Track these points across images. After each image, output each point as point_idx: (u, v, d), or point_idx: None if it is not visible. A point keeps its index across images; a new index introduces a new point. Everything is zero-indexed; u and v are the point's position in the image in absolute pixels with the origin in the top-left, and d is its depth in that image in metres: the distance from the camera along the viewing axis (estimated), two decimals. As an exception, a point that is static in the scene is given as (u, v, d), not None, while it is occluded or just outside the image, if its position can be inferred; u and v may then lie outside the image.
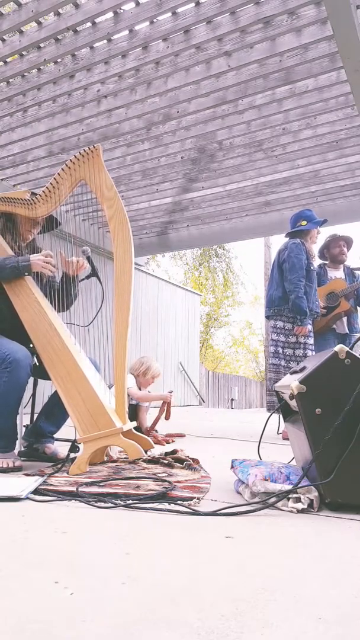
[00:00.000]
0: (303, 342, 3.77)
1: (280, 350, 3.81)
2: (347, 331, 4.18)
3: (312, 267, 3.83)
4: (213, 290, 20.70)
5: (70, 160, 2.20)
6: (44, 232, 2.55)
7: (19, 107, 4.25)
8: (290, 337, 3.79)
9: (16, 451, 2.18)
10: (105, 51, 3.63)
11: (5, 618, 0.75)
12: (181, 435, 3.49)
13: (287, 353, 3.79)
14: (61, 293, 2.38)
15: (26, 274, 2.22)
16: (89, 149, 2.19)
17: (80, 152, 2.20)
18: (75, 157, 2.20)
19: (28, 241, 2.46)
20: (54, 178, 2.23)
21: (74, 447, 2.28)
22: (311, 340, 3.80)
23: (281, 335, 3.83)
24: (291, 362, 3.76)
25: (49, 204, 2.25)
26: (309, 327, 3.77)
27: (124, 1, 3.18)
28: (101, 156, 2.20)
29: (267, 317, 3.99)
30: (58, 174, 2.22)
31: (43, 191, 2.25)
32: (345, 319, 4.19)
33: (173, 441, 3.33)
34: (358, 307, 4.27)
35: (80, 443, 2.01)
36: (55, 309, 2.34)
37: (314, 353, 3.77)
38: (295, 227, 3.93)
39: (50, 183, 2.23)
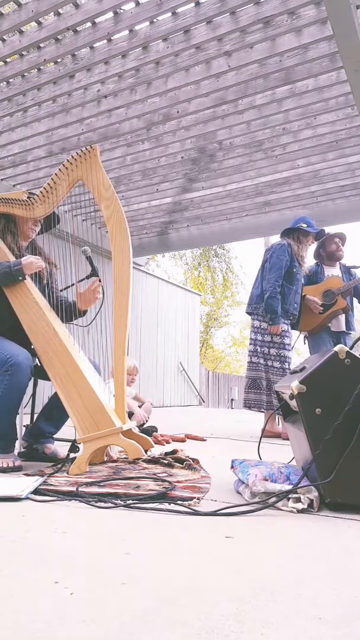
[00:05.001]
0: (278, 341, 3.86)
1: (259, 349, 3.93)
2: (344, 329, 4.18)
3: (294, 270, 3.87)
4: (213, 290, 20.67)
5: (68, 160, 2.20)
6: (45, 230, 2.55)
7: (19, 107, 4.25)
8: (266, 336, 3.90)
9: (16, 451, 2.18)
10: (105, 51, 3.63)
11: (5, 618, 0.75)
12: (182, 440, 3.44)
13: (264, 352, 3.92)
14: (63, 309, 2.37)
15: (20, 278, 2.20)
16: (86, 149, 2.18)
17: (78, 152, 2.20)
18: (72, 157, 2.19)
19: (30, 239, 2.45)
20: (51, 178, 2.22)
21: (73, 447, 2.28)
22: (287, 340, 3.89)
23: (258, 335, 3.94)
24: (269, 361, 3.87)
25: (47, 204, 2.24)
26: (284, 327, 3.84)
27: (124, 1, 3.17)
28: (98, 156, 2.19)
29: (248, 314, 4.08)
30: (55, 174, 2.22)
31: (40, 192, 2.25)
32: (342, 317, 4.19)
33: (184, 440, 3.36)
34: (355, 305, 4.28)
35: (80, 443, 2.01)
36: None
37: (288, 352, 3.87)
38: (295, 224, 3.96)
39: (48, 184, 2.23)
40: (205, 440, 3.47)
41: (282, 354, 3.82)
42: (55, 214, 2.46)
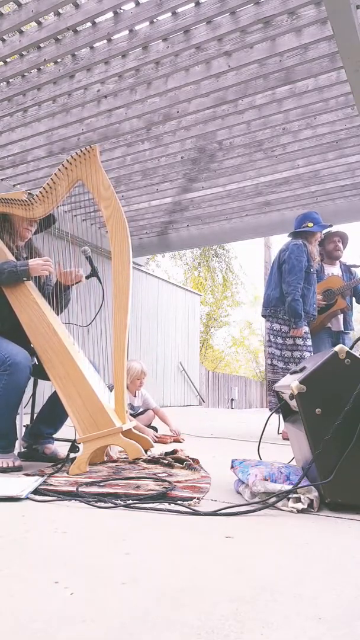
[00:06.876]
0: (301, 344, 3.79)
1: (279, 353, 3.84)
2: (342, 329, 4.18)
3: (312, 270, 3.84)
4: (212, 290, 20.67)
5: (67, 160, 2.20)
6: (41, 230, 2.54)
7: (19, 107, 4.25)
8: (287, 339, 3.83)
9: (16, 451, 2.18)
10: (105, 51, 3.63)
11: (5, 618, 0.75)
12: (178, 441, 3.39)
13: (286, 355, 3.82)
14: (53, 298, 2.37)
15: (25, 279, 2.20)
16: (86, 149, 2.18)
17: (77, 152, 2.20)
18: (72, 157, 2.20)
19: (26, 240, 2.45)
20: (51, 179, 2.22)
21: (73, 447, 2.28)
22: (309, 342, 3.82)
23: (278, 338, 3.86)
24: (289, 364, 3.79)
25: (46, 204, 2.24)
26: (305, 328, 3.79)
27: (124, 1, 3.17)
28: (98, 156, 2.19)
29: (264, 317, 4.01)
30: (55, 174, 2.22)
31: (40, 192, 2.25)
32: (341, 316, 4.19)
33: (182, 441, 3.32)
34: (354, 305, 4.28)
35: (80, 443, 2.01)
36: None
37: (310, 354, 3.79)
38: (300, 228, 3.94)
39: (47, 184, 2.23)
40: (182, 441, 3.37)
41: (305, 356, 3.75)
42: (51, 214, 2.46)
